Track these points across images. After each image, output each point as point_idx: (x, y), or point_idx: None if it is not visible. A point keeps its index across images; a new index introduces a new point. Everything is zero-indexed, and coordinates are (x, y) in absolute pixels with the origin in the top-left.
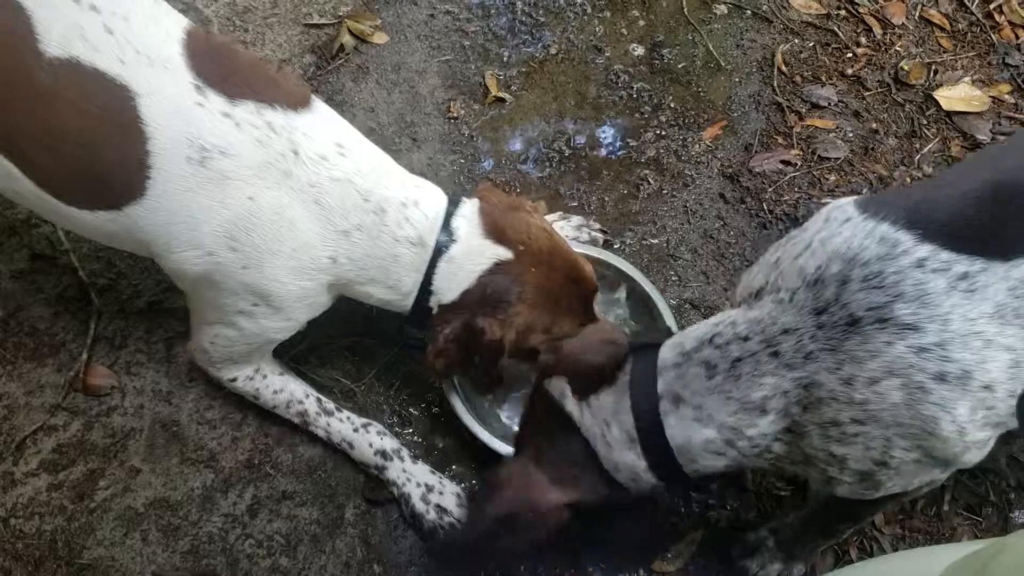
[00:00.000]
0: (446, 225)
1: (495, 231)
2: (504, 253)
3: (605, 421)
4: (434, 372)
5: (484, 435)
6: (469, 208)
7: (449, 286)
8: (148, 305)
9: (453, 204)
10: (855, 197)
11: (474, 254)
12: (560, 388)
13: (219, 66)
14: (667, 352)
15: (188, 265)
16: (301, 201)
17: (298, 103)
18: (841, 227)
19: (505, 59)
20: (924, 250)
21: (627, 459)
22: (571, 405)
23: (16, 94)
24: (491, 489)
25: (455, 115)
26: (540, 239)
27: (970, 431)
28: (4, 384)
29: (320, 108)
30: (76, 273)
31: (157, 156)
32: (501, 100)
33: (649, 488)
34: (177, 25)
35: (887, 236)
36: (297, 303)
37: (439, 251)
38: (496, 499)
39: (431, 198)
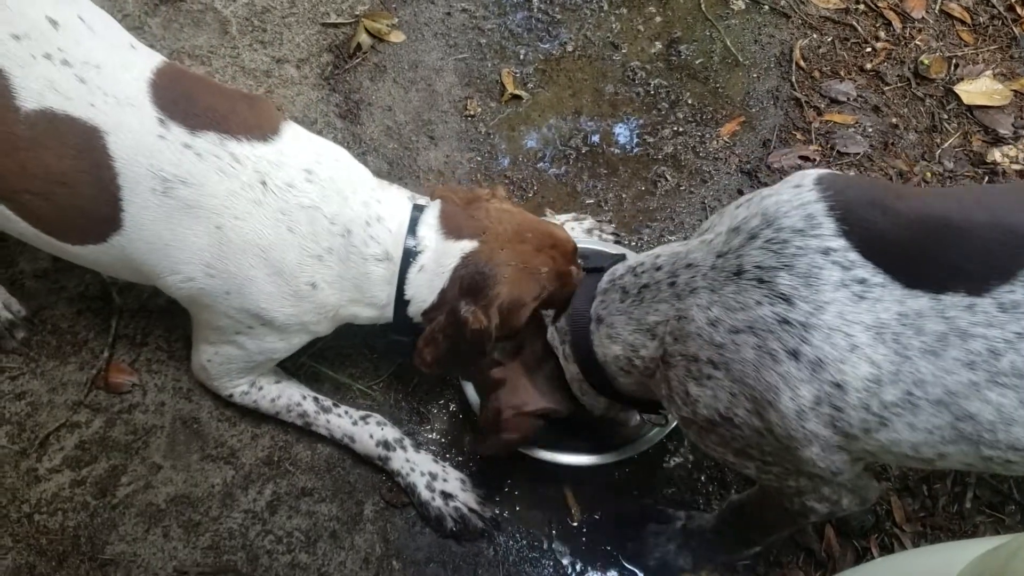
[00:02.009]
0: (412, 233)
1: (456, 228)
2: (469, 245)
3: (561, 339)
4: (423, 366)
5: None
6: (431, 213)
7: (423, 292)
8: (168, 304)
9: (418, 210)
10: (826, 171)
11: (441, 255)
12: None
13: (186, 100)
14: (604, 277)
15: (176, 289)
16: (273, 229)
17: (267, 132)
18: (786, 190)
19: (522, 57)
20: (838, 243)
21: (572, 371)
22: (549, 328)
23: (2, 148)
24: (490, 385)
25: (472, 113)
26: (503, 220)
27: (811, 420)
28: (28, 382)
29: (289, 134)
30: (97, 273)
31: (127, 189)
32: (518, 98)
33: (602, 406)
34: (149, 65)
35: (814, 215)
36: (291, 327)
37: (407, 261)
38: (488, 396)
39: (394, 211)
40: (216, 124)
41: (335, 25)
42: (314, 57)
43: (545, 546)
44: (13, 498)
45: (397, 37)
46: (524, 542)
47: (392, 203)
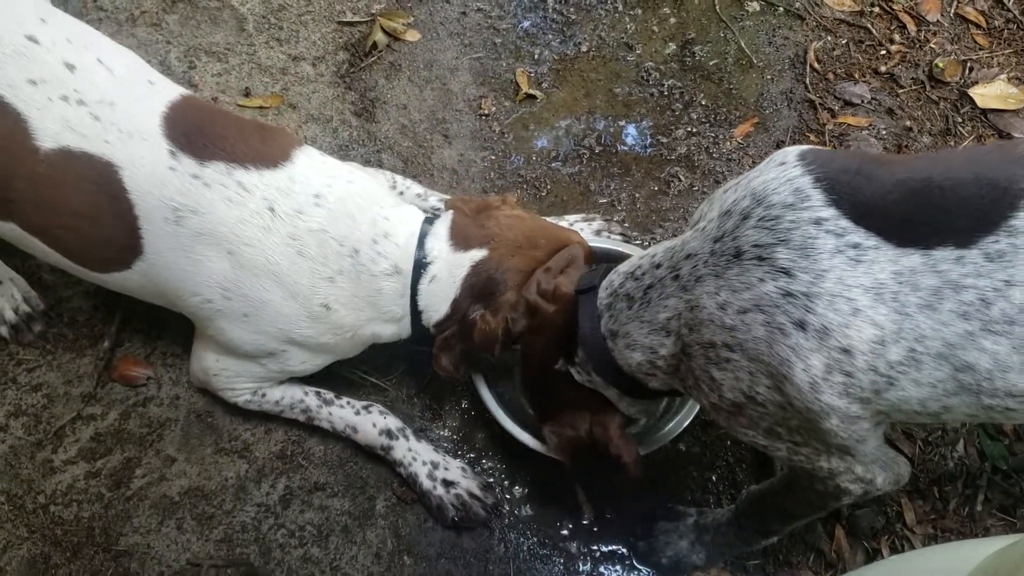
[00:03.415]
0: (421, 247)
1: (465, 238)
2: (478, 254)
3: (587, 374)
4: (442, 371)
5: (514, 429)
6: (441, 224)
7: (436, 302)
8: None
9: (428, 223)
10: (807, 146)
11: (452, 265)
12: (560, 362)
13: (197, 132)
14: (603, 293)
15: (198, 310)
16: (284, 254)
17: (277, 159)
18: (771, 169)
19: (536, 56)
20: (828, 212)
21: (612, 394)
22: (574, 373)
23: (26, 189)
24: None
25: (486, 112)
26: (513, 227)
27: (825, 391)
28: (44, 374)
29: (302, 160)
30: None
31: (143, 219)
32: (532, 97)
33: (656, 407)
34: (164, 100)
35: (802, 189)
36: (312, 347)
37: (418, 274)
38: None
39: (402, 226)
40: (224, 153)
41: (351, 23)
42: (330, 55)
43: (556, 544)
44: (29, 489)
45: (413, 36)
46: (535, 539)
47: (400, 219)
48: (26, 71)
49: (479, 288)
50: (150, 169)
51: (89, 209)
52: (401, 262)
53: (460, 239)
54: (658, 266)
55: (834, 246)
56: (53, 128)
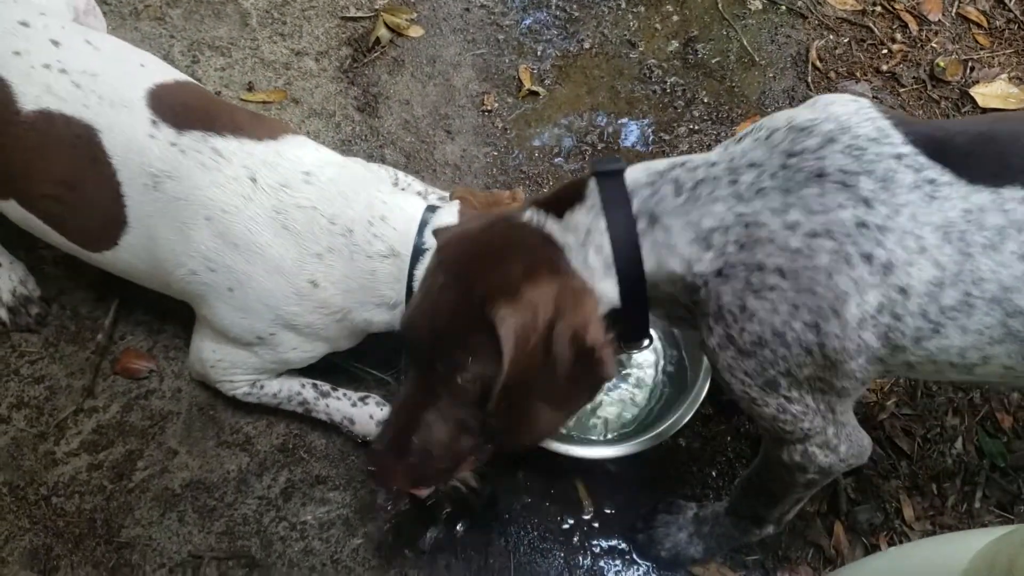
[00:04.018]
0: (421, 233)
1: None
2: None
3: (580, 241)
4: None
5: None
6: (446, 212)
7: None
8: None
9: (431, 212)
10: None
11: None
12: (532, 215)
13: (183, 107)
14: (637, 173)
15: (186, 284)
16: (268, 227)
17: (263, 135)
18: (849, 103)
19: (539, 53)
20: (907, 149)
21: (605, 291)
22: (552, 223)
23: (12, 153)
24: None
25: (489, 108)
26: None
27: (868, 329)
28: (47, 366)
29: (294, 141)
30: None
31: (125, 186)
32: (535, 93)
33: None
34: (154, 79)
35: (882, 128)
36: (302, 330)
37: (416, 258)
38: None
39: (402, 211)
40: (203, 124)
41: (354, 19)
42: (333, 50)
43: (557, 538)
44: (31, 480)
45: (416, 32)
46: (535, 533)
47: (399, 204)
48: (12, 46)
49: None
50: (130, 135)
51: (71, 173)
52: (399, 245)
53: None
54: (714, 164)
55: (912, 181)
56: (34, 92)
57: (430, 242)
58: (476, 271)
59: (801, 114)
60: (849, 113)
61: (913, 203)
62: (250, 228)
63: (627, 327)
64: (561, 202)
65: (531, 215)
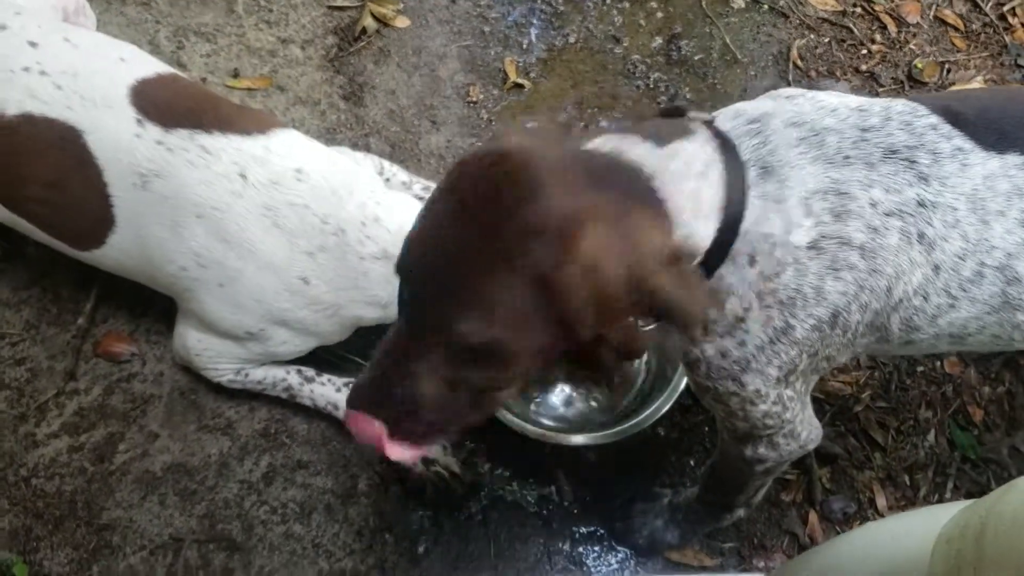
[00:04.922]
0: None
1: None
2: None
3: (697, 174)
4: None
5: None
6: None
7: None
8: None
9: None
10: None
11: None
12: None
13: (168, 103)
14: (737, 120)
15: (177, 280)
16: (258, 224)
17: (251, 130)
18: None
19: (524, 46)
20: (935, 119)
21: (705, 230)
22: (639, 150)
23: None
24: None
25: (474, 99)
26: None
27: (900, 313)
28: (28, 348)
29: (283, 136)
30: None
31: (112, 186)
32: (520, 86)
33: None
34: (136, 75)
35: (908, 103)
36: (293, 325)
37: None
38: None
39: (395, 212)
40: (189, 121)
41: (341, 8)
42: (319, 39)
43: (536, 524)
44: (11, 462)
45: (402, 22)
46: (515, 520)
47: (393, 205)
48: None
49: None
50: (115, 136)
51: (57, 175)
52: (391, 248)
53: None
54: (798, 119)
55: (949, 150)
56: (16, 96)
57: None
58: (518, 202)
59: (852, 99)
60: (879, 100)
61: (953, 174)
62: (241, 225)
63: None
64: (660, 131)
65: (604, 142)
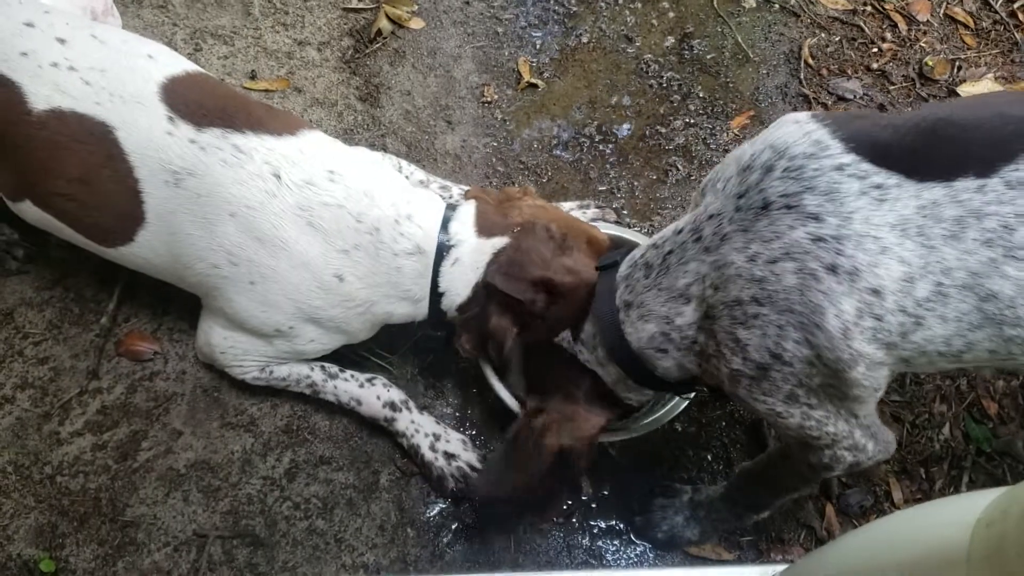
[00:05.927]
0: (444, 231)
1: (489, 225)
2: (501, 241)
3: (592, 347)
4: (463, 351)
5: (515, 404)
6: (465, 211)
7: (457, 285)
8: None
9: (451, 210)
10: (817, 111)
11: (475, 251)
12: (564, 336)
13: (198, 102)
14: (623, 267)
15: (206, 278)
16: (293, 223)
17: (281, 131)
18: (786, 125)
19: (538, 46)
20: (849, 158)
21: (612, 374)
22: (575, 346)
23: (26, 153)
24: (534, 432)
25: (489, 99)
26: (536, 216)
27: (856, 337)
28: (51, 347)
29: (311, 137)
30: None
31: (144, 183)
32: (534, 86)
33: (647, 398)
34: (165, 72)
35: (821, 140)
36: (324, 323)
37: (440, 256)
38: (545, 437)
39: (425, 209)
40: (222, 121)
41: (356, 10)
42: (335, 41)
43: (556, 518)
44: (36, 460)
45: (417, 24)
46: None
47: (423, 203)
48: (19, 47)
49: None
50: (147, 133)
51: (86, 170)
52: (424, 243)
53: (485, 226)
54: (679, 231)
55: (858, 188)
56: (44, 92)
57: (455, 238)
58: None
59: (744, 151)
60: (784, 136)
61: (863, 208)
62: (275, 224)
63: (636, 379)
64: (577, 323)
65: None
